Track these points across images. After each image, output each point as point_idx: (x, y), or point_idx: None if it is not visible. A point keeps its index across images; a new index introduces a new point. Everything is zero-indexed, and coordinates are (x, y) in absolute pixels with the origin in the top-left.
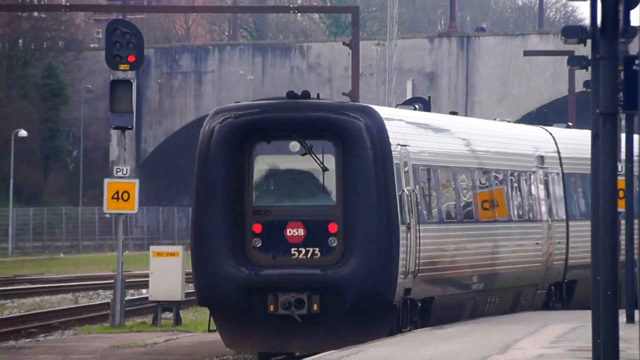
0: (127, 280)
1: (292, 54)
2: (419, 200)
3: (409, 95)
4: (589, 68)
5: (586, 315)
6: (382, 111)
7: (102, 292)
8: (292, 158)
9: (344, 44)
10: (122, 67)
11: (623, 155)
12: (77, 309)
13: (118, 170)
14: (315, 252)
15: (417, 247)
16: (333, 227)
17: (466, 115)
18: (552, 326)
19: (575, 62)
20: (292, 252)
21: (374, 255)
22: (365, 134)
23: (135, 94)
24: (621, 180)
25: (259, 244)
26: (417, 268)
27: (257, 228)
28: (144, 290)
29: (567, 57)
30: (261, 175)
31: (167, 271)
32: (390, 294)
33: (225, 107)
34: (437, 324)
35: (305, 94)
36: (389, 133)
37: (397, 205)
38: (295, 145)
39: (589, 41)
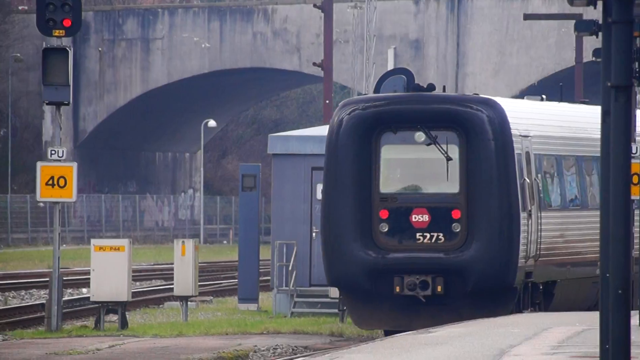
0: (65, 278)
1: (255, 18)
2: (540, 188)
3: (390, 66)
4: (600, 34)
5: (593, 317)
6: (505, 103)
7: (36, 292)
8: (417, 148)
9: (314, 6)
10: (56, 32)
11: (638, 136)
12: (7, 310)
13: (53, 152)
14: (439, 237)
15: (539, 233)
16: (456, 214)
17: (456, 89)
18: (554, 329)
19: (584, 27)
20: (417, 236)
21: (495, 240)
22: (488, 125)
23: (72, 64)
24: (635, 164)
25: (386, 229)
26: (538, 253)
27: (384, 214)
28: (84, 290)
29: (574, 21)
30: (388, 164)
31: (111, 268)
32: (510, 277)
33: (353, 99)
34: (560, 306)
35: (431, 87)
36: (510, 124)
37: (518, 193)
38: (420, 136)
39: (599, 3)
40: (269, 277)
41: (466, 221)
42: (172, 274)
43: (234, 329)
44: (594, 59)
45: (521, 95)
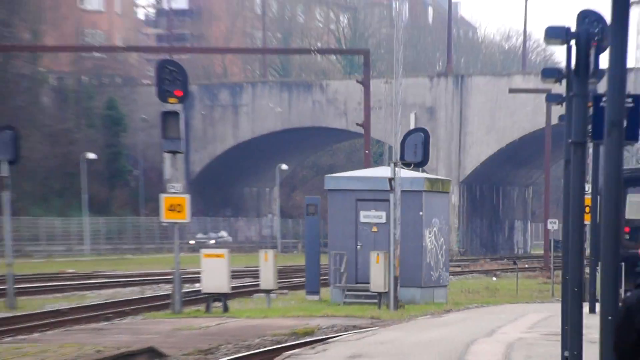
0: (183, 276)
1: (314, 90)
2: None
3: (412, 126)
4: (564, 104)
5: (556, 307)
6: None
7: (164, 286)
8: None
9: (357, 81)
10: (170, 100)
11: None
12: (144, 299)
13: (171, 187)
14: None
15: None
16: None
17: (459, 143)
18: (529, 315)
19: (553, 98)
20: None
21: None
22: None
23: (182, 123)
24: (587, 198)
25: None
26: None
27: None
28: (197, 284)
29: (545, 94)
30: None
31: (215, 269)
32: None
33: None
34: None
35: None
36: None
37: None
38: None
39: (564, 81)
40: (327, 277)
41: None
42: (259, 274)
43: (303, 313)
44: (559, 122)
45: (506, 148)
